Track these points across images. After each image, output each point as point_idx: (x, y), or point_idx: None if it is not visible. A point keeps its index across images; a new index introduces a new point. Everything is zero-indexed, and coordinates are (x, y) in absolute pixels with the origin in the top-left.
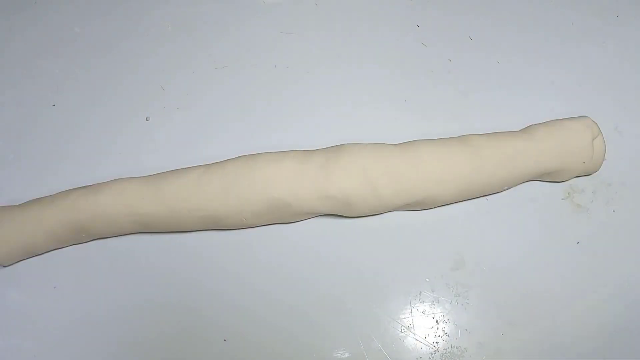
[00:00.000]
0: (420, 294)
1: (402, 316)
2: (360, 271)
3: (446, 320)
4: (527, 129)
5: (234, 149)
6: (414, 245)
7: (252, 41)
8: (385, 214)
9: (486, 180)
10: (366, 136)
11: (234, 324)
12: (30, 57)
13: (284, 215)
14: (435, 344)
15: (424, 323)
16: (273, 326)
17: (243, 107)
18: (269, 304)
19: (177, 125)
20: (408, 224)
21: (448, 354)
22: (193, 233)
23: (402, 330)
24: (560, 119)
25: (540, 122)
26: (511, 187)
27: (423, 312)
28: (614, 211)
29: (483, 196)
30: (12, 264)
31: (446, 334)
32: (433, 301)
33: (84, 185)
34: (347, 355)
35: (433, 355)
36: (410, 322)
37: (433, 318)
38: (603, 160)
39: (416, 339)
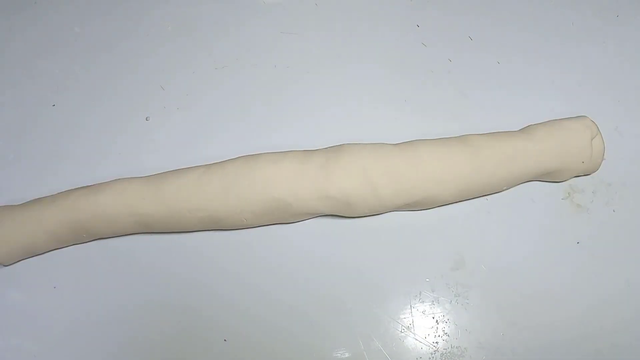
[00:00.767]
0: (420, 294)
1: (402, 316)
2: (360, 271)
3: (446, 320)
4: (527, 129)
5: (234, 149)
6: (414, 245)
7: (252, 41)
8: (385, 214)
9: (486, 180)
10: (366, 136)
11: (234, 324)
12: (30, 57)
13: (284, 216)
14: (435, 344)
15: (424, 323)
16: (273, 326)
17: (243, 107)
18: (269, 304)
19: (177, 125)
20: (408, 224)
21: (448, 354)
22: (193, 233)
23: (402, 330)
24: (559, 119)
25: (539, 122)
26: (511, 187)
27: (423, 312)
28: (614, 211)
29: (483, 196)
30: (13, 264)
31: (446, 334)
32: (433, 301)
33: (84, 185)
34: (347, 355)
35: (433, 355)
36: (410, 322)
37: (433, 318)
38: (602, 160)
39: (416, 339)
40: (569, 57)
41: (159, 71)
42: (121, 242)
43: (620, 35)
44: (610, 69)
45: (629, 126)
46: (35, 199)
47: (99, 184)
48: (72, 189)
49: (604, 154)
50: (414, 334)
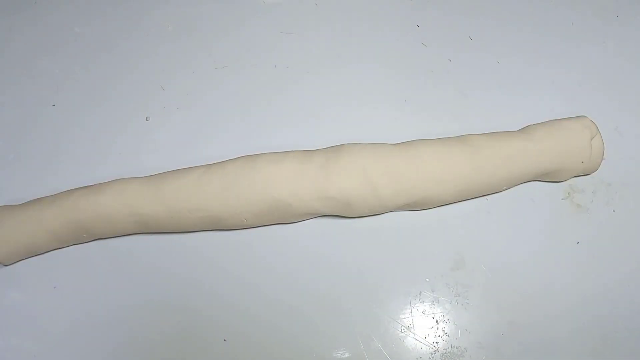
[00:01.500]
0: (420, 294)
1: (402, 316)
2: (360, 271)
3: (446, 320)
4: (526, 129)
5: (234, 149)
6: (414, 245)
7: (252, 41)
8: (385, 214)
9: (486, 180)
10: (366, 136)
11: (234, 324)
12: (30, 57)
13: (284, 216)
14: (435, 344)
15: (424, 323)
16: (273, 326)
17: (243, 107)
18: (269, 304)
19: (177, 125)
20: (408, 224)
21: (448, 354)
22: (193, 233)
23: (402, 330)
24: (559, 119)
25: (539, 122)
26: (511, 187)
27: (423, 312)
28: (614, 211)
29: (483, 196)
30: (13, 264)
31: (446, 334)
32: (433, 301)
33: (84, 185)
34: (347, 355)
35: (433, 355)
36: (410, 322)
37: (433, 318)
38: (602, 160)
39: (416, 339)
40: (569, 57)
41: (159, 71)
42: (121, 242)
43: (620, 35)
44: (610, 69)
45: (629, 126)
46: (36, 199)
47: (99, 184)
48: (72, 189)
49: (603, 154)
50: (414, 334)
